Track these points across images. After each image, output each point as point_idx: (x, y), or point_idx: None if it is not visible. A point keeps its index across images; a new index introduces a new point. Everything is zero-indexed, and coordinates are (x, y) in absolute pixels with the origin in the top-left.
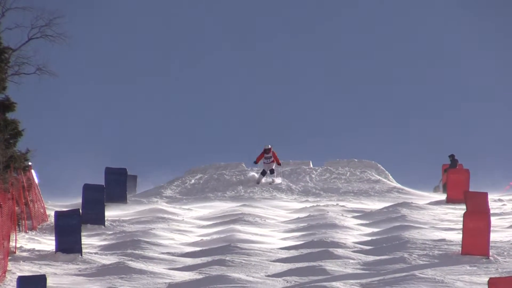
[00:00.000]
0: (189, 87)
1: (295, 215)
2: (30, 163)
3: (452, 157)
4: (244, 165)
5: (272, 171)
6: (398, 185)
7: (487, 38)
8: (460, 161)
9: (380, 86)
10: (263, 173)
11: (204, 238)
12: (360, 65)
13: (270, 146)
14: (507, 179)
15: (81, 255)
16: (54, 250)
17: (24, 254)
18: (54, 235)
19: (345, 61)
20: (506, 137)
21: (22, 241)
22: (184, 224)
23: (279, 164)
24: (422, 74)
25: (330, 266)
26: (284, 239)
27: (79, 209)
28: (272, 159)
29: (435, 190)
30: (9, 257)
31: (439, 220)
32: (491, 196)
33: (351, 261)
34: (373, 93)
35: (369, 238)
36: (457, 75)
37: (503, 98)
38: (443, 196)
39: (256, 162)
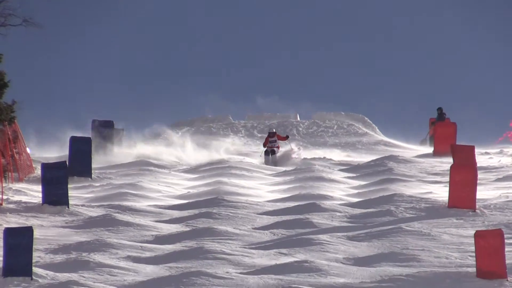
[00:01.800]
0: (174, 40)
1: (282, 168)
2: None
3: (440, 110)
4: (231, 117)
5: (273, 152)
6: (385, 138)
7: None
8: (447, 114)
9: (368, 39)
10: (267, 153)
11: (191, 190)
12: (350, 16)
13: (274, 130)
14: (495, 133)
15: (68, 207)
16: (41, 202)
17: (11, 206)
18: (41, 187)
19: (336, 9)
20: (494, 92)
21: (9, 193)
22: (171, 176)
23: (285, 139)
24: (409, 29)
25: (317, 219)
26: (271, 192)
27: (65, 161)
28: (277, 144)
29: (422, 143)
30: None
31: (426, 173)
32: (478, 150)
33: (338, 214)
34: (362, 46)
35: (356, 191)
36: (443, 32)
37: (489, 54)
38: (430, 149)
39: (264, 146)
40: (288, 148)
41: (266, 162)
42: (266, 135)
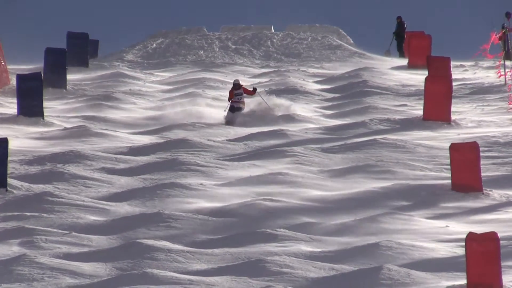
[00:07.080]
0: None
1: (257, 80)
2: None
3: (399, 19)
4: (205, 29)
5: (239, 109)
6: (360, 50)
7: None
8: (421, 28)
9: None
10: (232, 110)
11: (166, 102)
12: None
13: (240, 82)
14: (471, 45)
15: (43, 118)
16: (16, 114)
17: None
18: (16, 98)
19: None
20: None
21: None
22: (145, 88)
23: (252, 92)
24: None
25: (291, 130)
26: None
27: (40, 72)
28: (242, 98)
29: (386, 54)
30: None
31: (401, 85)
32: (453, 62)
33: (312, 126)
34: None
35: (330, 103)
36: None
37: None
38: (404, 61)
39: (229, 99)
40: (262, 106)
41: (229, 121)
42: (240, 47)
